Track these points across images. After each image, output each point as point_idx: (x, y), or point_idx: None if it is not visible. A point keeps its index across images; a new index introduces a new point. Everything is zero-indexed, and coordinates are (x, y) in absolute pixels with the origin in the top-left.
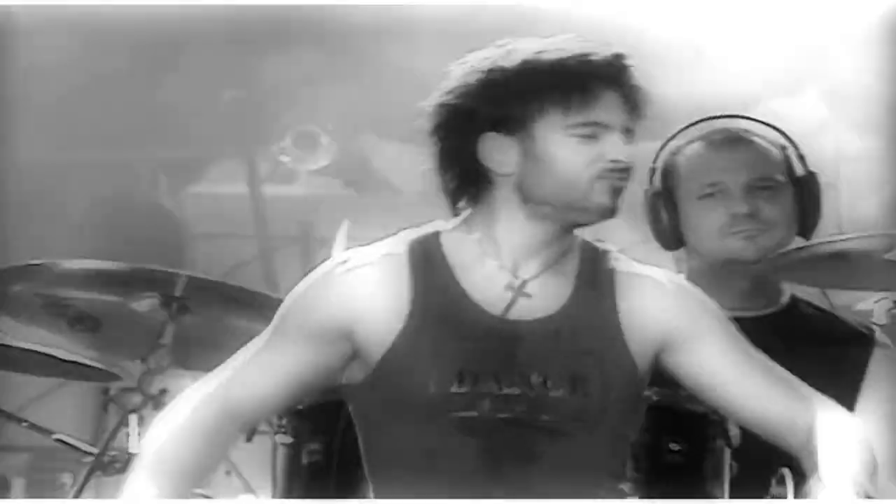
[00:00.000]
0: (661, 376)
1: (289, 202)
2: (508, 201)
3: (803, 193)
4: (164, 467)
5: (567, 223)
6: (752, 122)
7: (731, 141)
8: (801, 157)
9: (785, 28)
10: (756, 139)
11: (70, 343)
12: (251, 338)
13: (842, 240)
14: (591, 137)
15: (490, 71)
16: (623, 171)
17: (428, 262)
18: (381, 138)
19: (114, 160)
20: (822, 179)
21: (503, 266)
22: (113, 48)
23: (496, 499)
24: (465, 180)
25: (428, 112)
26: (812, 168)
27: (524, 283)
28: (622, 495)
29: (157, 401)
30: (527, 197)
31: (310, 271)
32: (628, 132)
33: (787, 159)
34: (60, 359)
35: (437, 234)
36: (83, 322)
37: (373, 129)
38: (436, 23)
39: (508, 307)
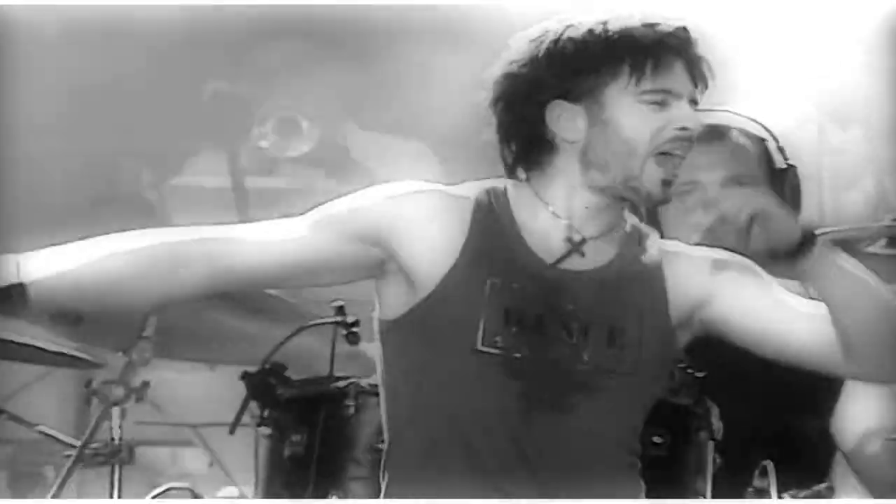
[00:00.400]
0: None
1: (271, 194)
2: (568, 168)
3: (783, 185)
4: (88, 271)
5: (619, 197)
6: (732, 115)
7: (706, 137)
8: (781, 150)
9: (768, 22)
10: (732, 134)
11: (53, 335)
12: (232, 330)
13: (824, 232)
14: (661, 105)
15: (557, 41)
16: (688, 141)
17: (492, 207)
18: (363, 129)
19: (95, 153)
20: (802, 171)
21: (561, 220)
22: (95, 42)
23: (526, 443)
24: (528, 148)
25: (491, 82)
26: (791, 160)
27: (583, 240)
28: (634, 464)
29: (140, 393)
30: (589, 164)
31: None
32: (694, 102)
33: (765, 152)
34: (44, 349)
35: (505, 186)
36: (66, 314)
37: (355, 119)
38: (421, 18)
39: (562, 259)
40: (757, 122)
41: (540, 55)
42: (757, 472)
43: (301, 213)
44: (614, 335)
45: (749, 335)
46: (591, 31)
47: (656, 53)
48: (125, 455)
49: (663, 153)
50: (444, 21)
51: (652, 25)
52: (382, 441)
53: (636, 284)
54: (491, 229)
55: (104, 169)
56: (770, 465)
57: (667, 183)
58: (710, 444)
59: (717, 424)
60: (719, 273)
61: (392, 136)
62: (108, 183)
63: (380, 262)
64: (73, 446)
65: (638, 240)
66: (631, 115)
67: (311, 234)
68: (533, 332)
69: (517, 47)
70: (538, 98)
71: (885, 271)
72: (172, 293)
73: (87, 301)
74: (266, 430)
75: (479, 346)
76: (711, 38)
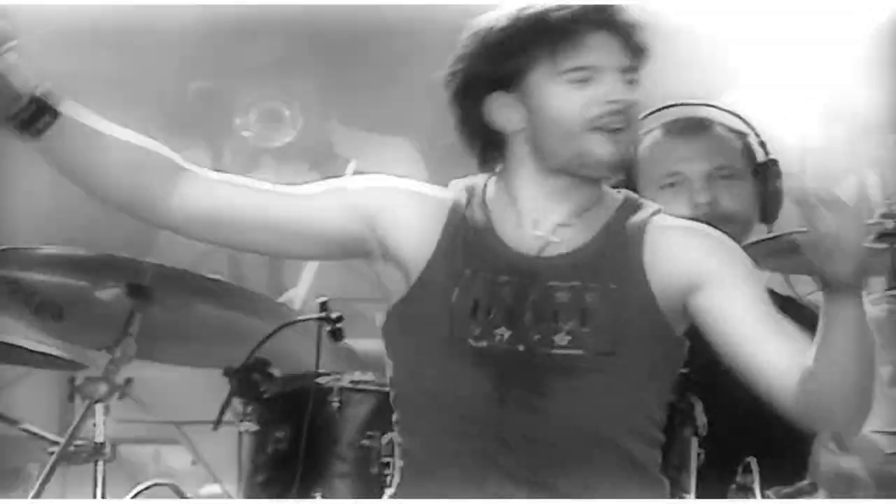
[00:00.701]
0: None
1: None
2: (523, 157)
3: (764, 180)
4: (106, 139)
5: (579, 175)
6: (714, 110)
7: (690, 129)
8: (763, 144)
9: (749, 17)
10: (715, 127)
11: (35, 332)
12: (217, 327)
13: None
14: (585, 81)
15: (484, 33)
16: (621, 113)
17: (470, 203)
18: (347, 125)
19: None
20: (783, 166)
21: (526, 217)
22: (80, 40)
23: (504, 429)
24: (485, 142)
25: (444, 84)
26: (772, 155)
27: (548, 237)
28: (637, 454)
29: (123, 390)
30: (537, 150)
31: (275, 262)
32: (628, 71)
33: (747, 146)
34: (28, 349)
35: (486, 180)
36: (47, 310)
37: (339, 115)
38: (406, 16)
39: (540, 252)
40: (738, 117)
41: (471, 49)
42: (740, 469)
43: None
44: (586, 316)
45: (721, 342)
46: (510, 19)
47: (570, 31)
48: (108, 453)
49: (599, 128)
50: (430, 19)
51: (568, 3)
52: (367, 437)
53: (613, 265)
54: (466, 226)
55: None
56: (753, 461)
57: (618, 140)
58: (694, 440)
59: (701, 420)
60: (711, 262)
61: (377, 133)
62: None
63: (362, 241)
64: (56, 443)
65: (627, 216)
66: (556, 96)
67: (310, 192)
68: (504, 320)
69: (459, 44)
70: (476, 92)
71: (877, 265)
72: (161, 212)
73: (81, 171)
74: (250, 426)
75: (453, 336)
76: (695, 35)
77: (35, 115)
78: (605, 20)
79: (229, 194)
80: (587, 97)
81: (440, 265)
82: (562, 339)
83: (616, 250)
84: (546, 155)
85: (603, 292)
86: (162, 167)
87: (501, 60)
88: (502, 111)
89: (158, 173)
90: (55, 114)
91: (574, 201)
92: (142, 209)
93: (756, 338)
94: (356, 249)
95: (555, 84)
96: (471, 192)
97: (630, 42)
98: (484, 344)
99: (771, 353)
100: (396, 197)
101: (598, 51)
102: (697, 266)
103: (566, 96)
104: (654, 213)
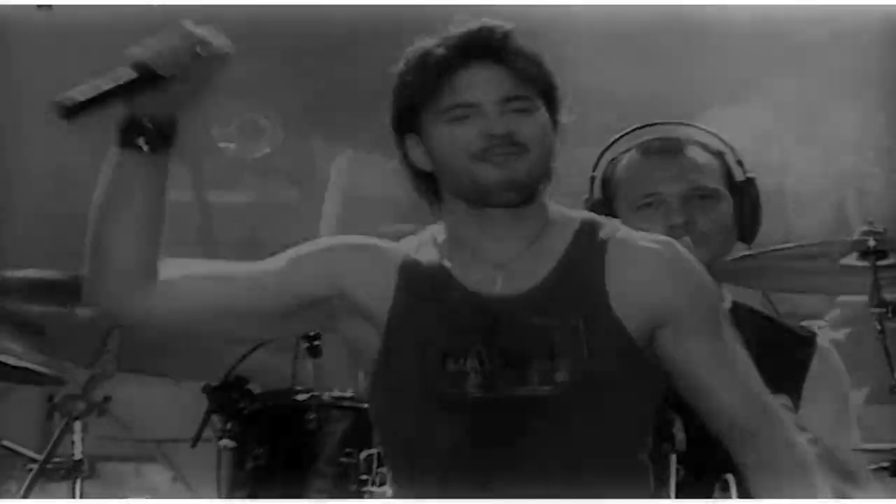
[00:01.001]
0: None
1: (234, 209)
2: (448, 196)
3: (742, 199)
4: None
5: (487, 204)
6: (691, 129)
7: (667, 150)
8: (740, 163)
9: (729, 36)
10: (692, 147)
11: (15, 348)
12: (195, 343)
13: (791, 247)
14: (464, 118)
15: (395, 77)
16: (505, 145)
17: (423, 247)
18: (327, 142)
19: (60, 168)
20: (761, 185)
21: (476, 257)
22: (62, 57)
23: (488, 476)
24: (418, 184)
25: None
26: (750, 174)
27: (500, 278)
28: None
29: (101, 408)
30: (449, 186)
31: None
32: (514, 100)
33: (725, 165)
34: (8, 365)
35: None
36: (28, 328)
37: (320, 133)
38: (389, 32)
39: (490, 289)
40: (715, 136)
41: (391, 94)
42: (718, 485)
43: (261, 225)
44: (554, 354)
45: (680, 384)
46: (403, 62)
47: (447, 69)
48: (86, 469)
49: (484, 160)
50: (416, 34)
51: (445, 39)
52: (345, 454)
53: (577, 297)
54: (422, 276)
55: (69, 184)
56: (731, 478)
57: (504, 174)
58: (673, 457)
59: (679, 436)
60: (675, 299)
61: (355, 149)
62: (73, 198)
63: (329, 302)
64: (35, 460)
65: (586, 239)
66: (441, 135)
67: (281, 270)
68: (474, 367)
69: None
70: (397, 135)
71: (858, 282)
72: (123, 311)
73: (111, 209)
74: (228, 443)
75: (425, 389)
76: (676, 52)
77: (157, 134)
78: (485, 50)
79: (195, 306)
80: (468, 134)
81: (402, 315)
82: (533, 380)
83: (577, 280)
84: (456, 189)
85: (569, 327)
86: (143, 276)
87: (399, 104)
88: (414, 153)
89: (137, 282)
90: (164, 150)
91: (517, 233)
92: (106, 294)
93: (711, 393)
94: (321, 312)
95: (440, 123)
96: (424, 238)
97: (516, 69)
98: (457, 394)
99: (727, 408)
100: (354, 254)
101: (476, 85)
102: (660, 302)
103: (450, 134)
104: (614, 231)
